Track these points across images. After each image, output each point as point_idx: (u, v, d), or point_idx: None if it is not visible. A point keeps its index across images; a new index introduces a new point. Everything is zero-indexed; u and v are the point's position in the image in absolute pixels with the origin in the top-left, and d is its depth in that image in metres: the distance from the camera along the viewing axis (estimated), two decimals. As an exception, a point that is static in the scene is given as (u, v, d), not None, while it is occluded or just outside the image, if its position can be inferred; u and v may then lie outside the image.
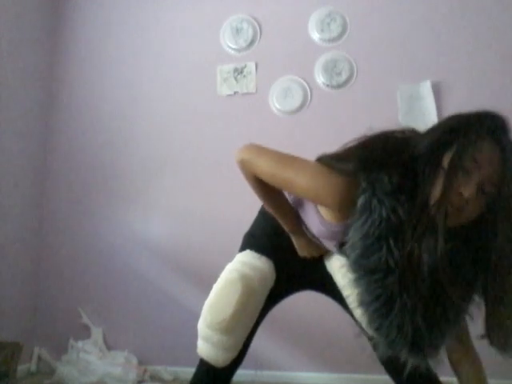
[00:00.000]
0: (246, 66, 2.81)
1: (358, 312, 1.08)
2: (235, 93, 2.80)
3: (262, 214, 1.36)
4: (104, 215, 2.88)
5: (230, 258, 1.38)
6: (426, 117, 2.61)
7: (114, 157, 2.92)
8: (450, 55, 2.64)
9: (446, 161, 0.89)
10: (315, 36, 2.75)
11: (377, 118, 2.67)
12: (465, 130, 0.89)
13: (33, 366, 2.71)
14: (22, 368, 2.53)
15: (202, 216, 2.75)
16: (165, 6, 3.00)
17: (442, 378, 2.40)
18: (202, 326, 1.22)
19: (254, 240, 1.33)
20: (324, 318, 2.48)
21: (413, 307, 0.91)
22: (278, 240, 1.28)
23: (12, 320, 2.64)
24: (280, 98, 2.73)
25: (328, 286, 1.28)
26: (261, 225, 1.36)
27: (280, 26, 2.83)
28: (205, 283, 2.79)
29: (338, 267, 1.21)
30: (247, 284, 1.17)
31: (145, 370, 2.57)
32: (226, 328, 1.15)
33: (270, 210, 1.22)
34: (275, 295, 1.27)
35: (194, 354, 2.91)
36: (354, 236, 0.92)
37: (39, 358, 2.74)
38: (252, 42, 2.83)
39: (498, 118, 0.92)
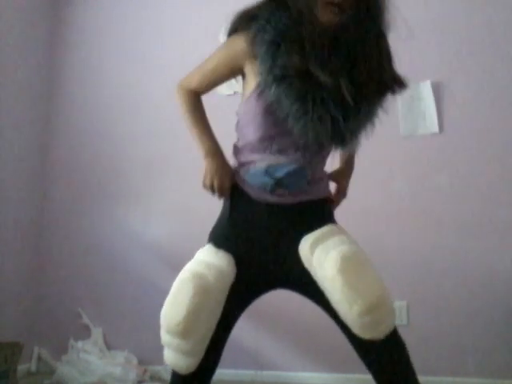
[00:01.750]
0: (245, 66, 2.80)
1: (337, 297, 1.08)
2: (235, 93, 2.80)
3: (224, 205, 1.31)
4: (104, 215, 2.88)
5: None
6: (426, 117, 2.61)
7: (114, 157, 2.92)
8: (450, 55, 2.64)
9: None
10: (315, 36, 2.75)
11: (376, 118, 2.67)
12: None
13: (33, 366, 2.71)
14: (21, 368, 2.53)
15: (202, 216, 2.74)
16: (165, 7, 3.00)
17: (436, 378, 2.40)
18: (161, 331, 1.16)
19: (213, 234, 1.28)
20: (324, 317, 2.47)
21: (324, 100, 1.08)
22: (239, 231, 1.22)
23: (12, 320, 2.64)
24: (280, 97, 2.73)
25: (305, 285, 1.18)
26: (221, 216, 1.30)
27: (280, 26, 2.82)
28: (205, 283, 2.79)
29: (319, 259, 1.13)
30: (200, 283, 1.12)
31: (145, 370, 2.58)
32: (183, 331, 1.09)
33: (192, 128, 1.33)
34: (241, 292, 1.18)
35: (194, 354, 2.89)
36: (264, 61, 1.11)
37: (39, 358, 2.74)
38: (252, 42, 2.83)
39: None
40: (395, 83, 1.24)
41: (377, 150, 2.66)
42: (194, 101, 1.31)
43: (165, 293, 3.01)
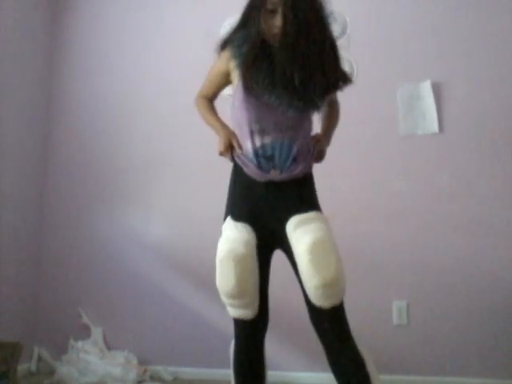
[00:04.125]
0: (245, 66, 2.81)
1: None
2: (235, 93, 2.80)
3: (232, 181, 1.59)
4: (104, 215, 2.88)
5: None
6: (426, 117, 2.61)
7: (113, 158, 2.92)
8: (450, 55, 2.64)
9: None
10: (315, 36, 2.75)
11: (377, 118, 2.67)
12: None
13: (33, 366, 2.71)
14: (22, 368, 2.53)
15: (201, 216, 2.75)
16: (165, 7, 3.00)
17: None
18: (221, 297, 1.46)
19: (228, 207, 1.56)
20: (324, 317, 2.47)
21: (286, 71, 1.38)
22: (246, 204, 1.51)
23: (12, 320, 2.64)
24: (280, 98, 2.73)
25: (288, 253, 1.46)
26: (232, 193, 1.58)
27: (280, 26, 2.82)
28: (204, 283, 2.79)
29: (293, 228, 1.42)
30: (236, 255, 1.41)
31: (145, 370, 2.58)
32: (238, 293, 1.41)
33: (205, 120, 1.71)
34: (264, 249, 1.47)
35: (193, 353, 2.91)
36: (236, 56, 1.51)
37: (39, 358, 2.74)
38: (252, 42, 2.83)
39: None
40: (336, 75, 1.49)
41: (377, 150, 2.67)
42: (203, 101, 1.74)
43: (165, 292, 3.01)
